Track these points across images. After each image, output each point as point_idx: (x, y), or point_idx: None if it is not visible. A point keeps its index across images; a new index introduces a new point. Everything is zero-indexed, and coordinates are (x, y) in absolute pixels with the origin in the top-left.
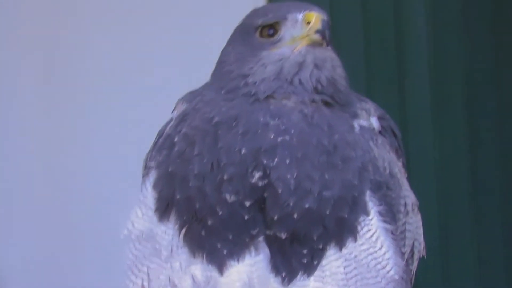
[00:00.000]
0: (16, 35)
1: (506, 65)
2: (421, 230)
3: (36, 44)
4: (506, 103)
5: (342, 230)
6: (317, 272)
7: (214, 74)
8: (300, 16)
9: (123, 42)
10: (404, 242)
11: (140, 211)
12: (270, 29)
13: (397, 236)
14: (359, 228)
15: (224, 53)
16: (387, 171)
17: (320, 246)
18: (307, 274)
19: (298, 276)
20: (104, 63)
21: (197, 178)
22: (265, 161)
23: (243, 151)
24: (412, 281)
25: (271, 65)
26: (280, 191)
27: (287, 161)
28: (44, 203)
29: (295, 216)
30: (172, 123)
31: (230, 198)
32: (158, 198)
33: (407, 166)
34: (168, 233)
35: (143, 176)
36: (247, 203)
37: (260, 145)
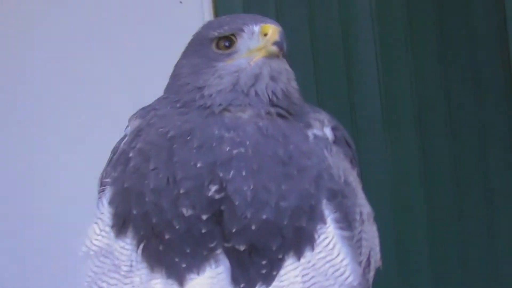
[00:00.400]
0: None
1: (452, 75)
2: (377, 241)
3: None
4: (455, 111)
5: (300, 240)
6: (275, 283)
7: (168, 87)
8: (257, 28)
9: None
10: (361, 251)
11: (97, 228)
12: (226, 41)
13: (354, 244)
14: (316, 236)
15: (178, 66)
16: (342, 179)
17: (279, 256)
18: (266, 285)
19: (257, 287)
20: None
21: (153, 193)
22: (221, 174)
23: (198, 164)
24: None
25: (228, 76)
26: (237, 203)
27: (243, 173)
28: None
29: (253, 227)
30: (126, 139)
31: (186, 212)
32: (114, 214)
33: (361, 178)
34: (126, 248)
35: (99, 193)
36: (204, 217)
37: (216, 158)
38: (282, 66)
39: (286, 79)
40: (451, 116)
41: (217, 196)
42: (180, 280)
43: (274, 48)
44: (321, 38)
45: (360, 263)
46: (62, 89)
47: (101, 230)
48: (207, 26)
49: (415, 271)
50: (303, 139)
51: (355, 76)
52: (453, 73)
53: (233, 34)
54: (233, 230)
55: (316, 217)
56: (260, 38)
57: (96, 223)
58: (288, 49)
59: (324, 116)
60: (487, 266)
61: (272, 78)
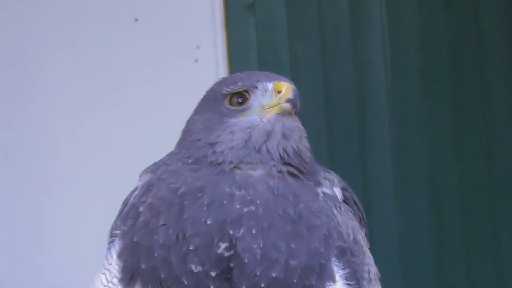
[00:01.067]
0: None
1: (465, 140)
2: None
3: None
4: (468, 178)
5: None
6: None
7: (180, 143)
8: (270, 85)
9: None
10: None
11: (105, 279)
12: (239, 97)
13: None
14: None
15: (190, 121)
16: (351, 237)
17: None
18: None
19: None
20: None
21: (163, 249)
22: (231, 232)
23: (208, 221)
24: None
25: (240, 132)
26: (246, 261)
27: (253, 231)
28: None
29: (263, 285)
30: (137, 192)
31: (195, 268)
32: (123, 267)
33: (370, 240)
34: None
35: (108, 243)
36: (213, 273)
37: (226, 216)
38: (294, 124)
39: (298, 137)
40: (464, 183)
41: (226, 254)
42: None
43: (288, 106)
44: (335, 98)
45: None
46: (78, 138)
47: (108, 282)
48: (221, 82)
49: None
50: (313, 198)
51: (368, 136)
52: (467, 140)
53: (246, 91)
54: (243, 287)
55: (325, 275)
56: (274, 95)
57: (103, 273)
58: (301, 108)
59: (334, 176)
60: None
61: (284, 136)
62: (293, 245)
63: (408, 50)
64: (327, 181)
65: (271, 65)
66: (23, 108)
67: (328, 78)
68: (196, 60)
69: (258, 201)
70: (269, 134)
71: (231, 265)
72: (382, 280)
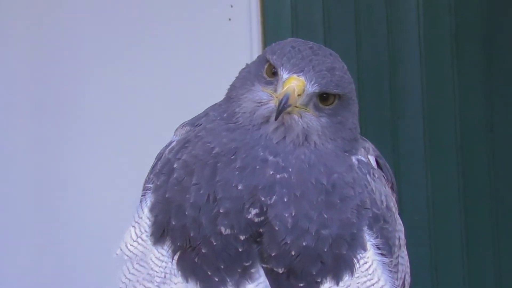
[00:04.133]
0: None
1: (498, 108)
2: (408, 264)
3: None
4: (498, 144)
5: (339, 265)
6: None
7: (226, 94)
8: (285, 76)
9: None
10: (397, 276)
11: (134, 233)
12: (274, 68)
13: (392, 269)
14: (356, 262)
15: (241, 72)
16: (384, 204)
17: (318, 280)
18: None
19: None
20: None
21: (193, 208)
22: (262, 198)
23: (239, 187)
24: None
25: (251, 102)
26: (277, 228)
27: (285, 199)
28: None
29: (293, 253)
30: (172, 146)
31: (225, 231)
32: (154, 222)
33: (399, 206)
34: (162, 259)
35: (140, 196)
36: (242, 237)
37: (258, 182)
38: (292, 121)
39: (301, 134)
40: (493, 146)
41: (256, 219)
42: None
43: (276, 106)
44: (367, 62)
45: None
46: (107, 99)
47: (137, 237)
48: (271, 47)
49: None
50: (347, 169)
51: (400, 101)
52: (499, 107)
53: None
54: (273, 254)
55: (357, 244)
56: (282, 86)
57: (133, 226)
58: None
59: (369, 144)
60: None
61: (283, 126)
62: (325, 215)
63: (442, 14)
64: (362, 149)
65: (304, 27)
66: None
67: (361, 41)
68: (229, 19)
69: (291, 169)
70: (266, 119)
71: (261, 230)
72: (410, 246)
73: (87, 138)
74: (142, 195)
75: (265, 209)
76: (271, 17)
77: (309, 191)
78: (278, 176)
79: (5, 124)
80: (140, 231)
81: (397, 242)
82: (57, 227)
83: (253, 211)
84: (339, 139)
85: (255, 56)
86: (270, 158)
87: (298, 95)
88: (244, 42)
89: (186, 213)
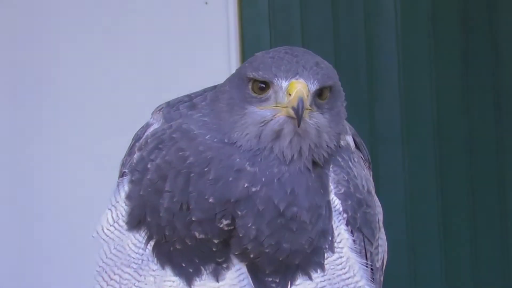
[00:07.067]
0: None
1: (474, 90)
2: (386, 243)
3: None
4: (474, 126)
5: (308, 263)
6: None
7: (211, 101)
8: (285, 84)
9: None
10: (378, 257)
11: (111, 217)
12: (261, 83)
13: (373, 252)
14: (325, 259)
15: (221, 90)
16: (365, 188)
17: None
18: None
19: None
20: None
21: (167, 212)
22: (234, 210)
23: (211, 200)
24: None
25: (253, 126)
26: (241, 235)
27: (253, 212)
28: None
29: (252, 256)
30: (147, 140)
31: (199, 235)
32: (129, 213)
33: (376, 186)
34: (138, 245)
35: (118, 179)
36: (216, 241)
37: (230, 195)
38: (308, 124)
39: (315, 135)
40: (470, 128)
41: (227, 228)
42: (189, 281)
43: (292, 113)
44: (344, 43)
45: (377, 269)
46: (79, 88)
47: (114, 221)
48: (249, 62)
49: (427, 276)
50: (320, 194)
51: (377, 82)
52: (475, 90)
53: (265, 81)
54: (236, 253)
55: (318, 253)
56: (286, 95)
57: (110, 210)
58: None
59: (345, 123)
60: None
61: (298, 135)
62: (284, 234)
63: None
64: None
65: (280, 9)
66: None
67: (338, 24)
68: (206, 2)
69: (263, 179)
70: (278, 134)
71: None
72: (387, 226)
73: (61, 129)
74: (119, 179)
75: (236, 220)
76: (247, 0)
77: (269, 210)
78: (253, 189)
79: None
80: (117, 215)
81: (377, 225)
82: (31, 218)
83: (225, 222)
84: (338, 131)
85: (232, 40)
86: (247, 167)
87: (306, 96)
88: (221, 27)
89: (161, 215)
